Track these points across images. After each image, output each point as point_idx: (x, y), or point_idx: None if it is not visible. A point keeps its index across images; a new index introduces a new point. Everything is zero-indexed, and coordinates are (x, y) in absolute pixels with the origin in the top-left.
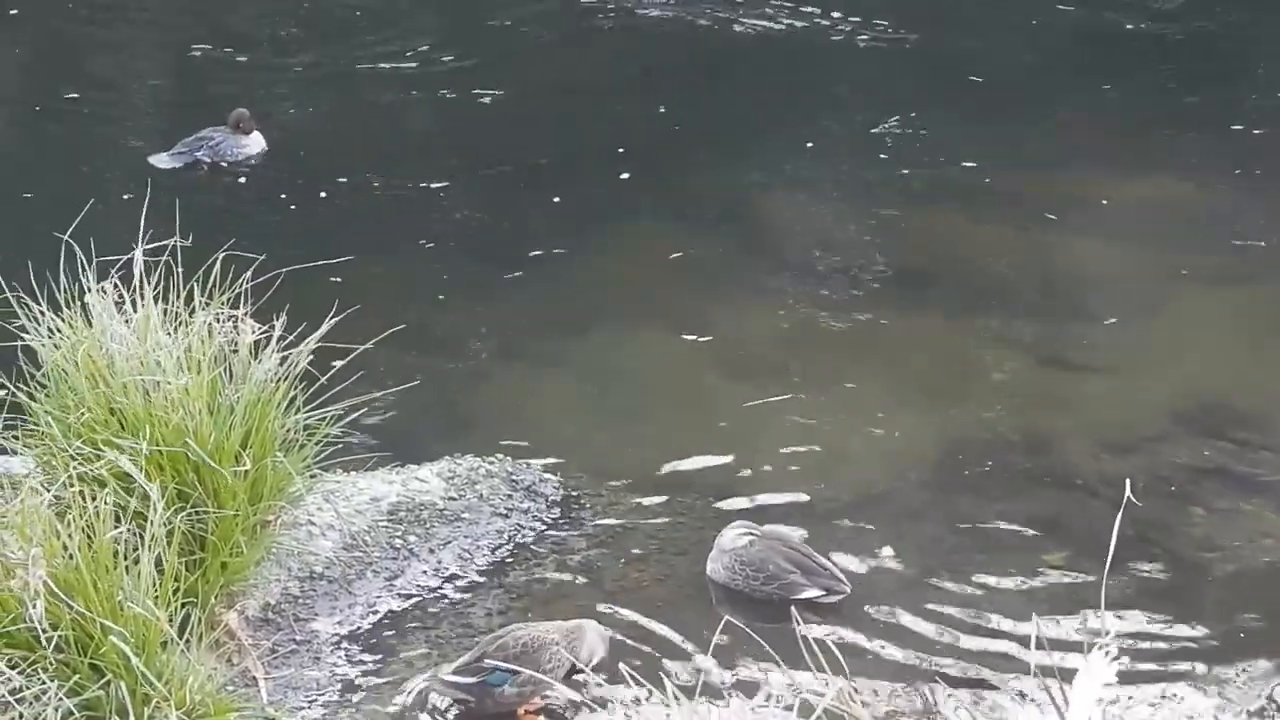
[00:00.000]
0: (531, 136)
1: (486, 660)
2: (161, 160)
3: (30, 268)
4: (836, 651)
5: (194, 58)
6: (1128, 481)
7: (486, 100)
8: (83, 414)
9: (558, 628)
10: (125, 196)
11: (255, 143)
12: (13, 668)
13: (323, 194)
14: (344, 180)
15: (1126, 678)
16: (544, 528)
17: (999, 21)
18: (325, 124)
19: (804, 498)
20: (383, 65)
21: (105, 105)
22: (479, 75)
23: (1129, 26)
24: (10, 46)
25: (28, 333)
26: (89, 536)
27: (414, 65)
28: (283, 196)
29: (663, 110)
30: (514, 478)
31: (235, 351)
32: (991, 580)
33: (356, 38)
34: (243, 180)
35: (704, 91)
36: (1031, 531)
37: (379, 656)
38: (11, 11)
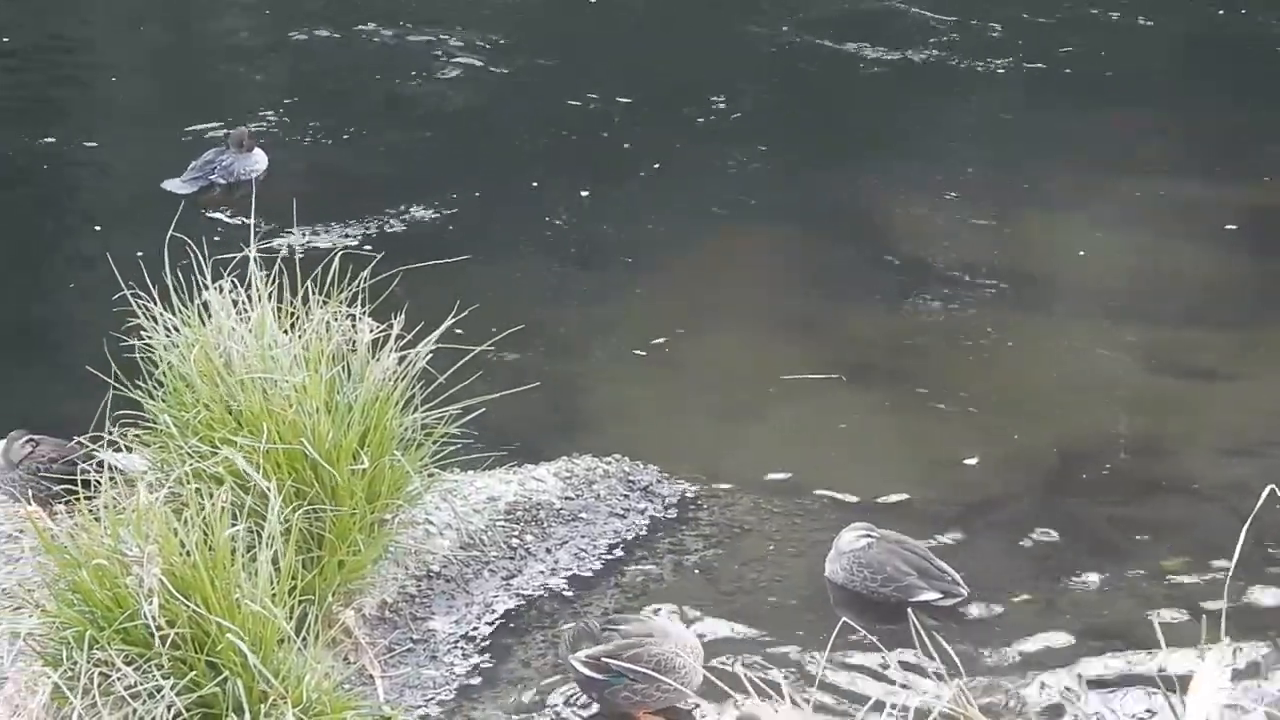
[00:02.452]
0: (642, 137)
1: (614, 663)
2: (175, 185)
3: (143, 267)
4: (953, 654)
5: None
6: (1270, 488)
7: (590, 101)
8: (200, 412)
9: (686, 645)
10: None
11: (261, 159)
12: (129, 664)
13: (425, 196)
14: (447, 182)
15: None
16: (660, 528)
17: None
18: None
19: (921, 500)
20: (464, 60)
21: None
22: (575, 74)
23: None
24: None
25: (145, 331)
26: (206, 534)
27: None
28: (376, 199)
29: (774, 109)
30: (631, 478)
31: (353, 350)
32: (1108, 585)
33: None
34: (312, 185)
35: (814, 90)
36: (1147, 537)
37: (495, 656)
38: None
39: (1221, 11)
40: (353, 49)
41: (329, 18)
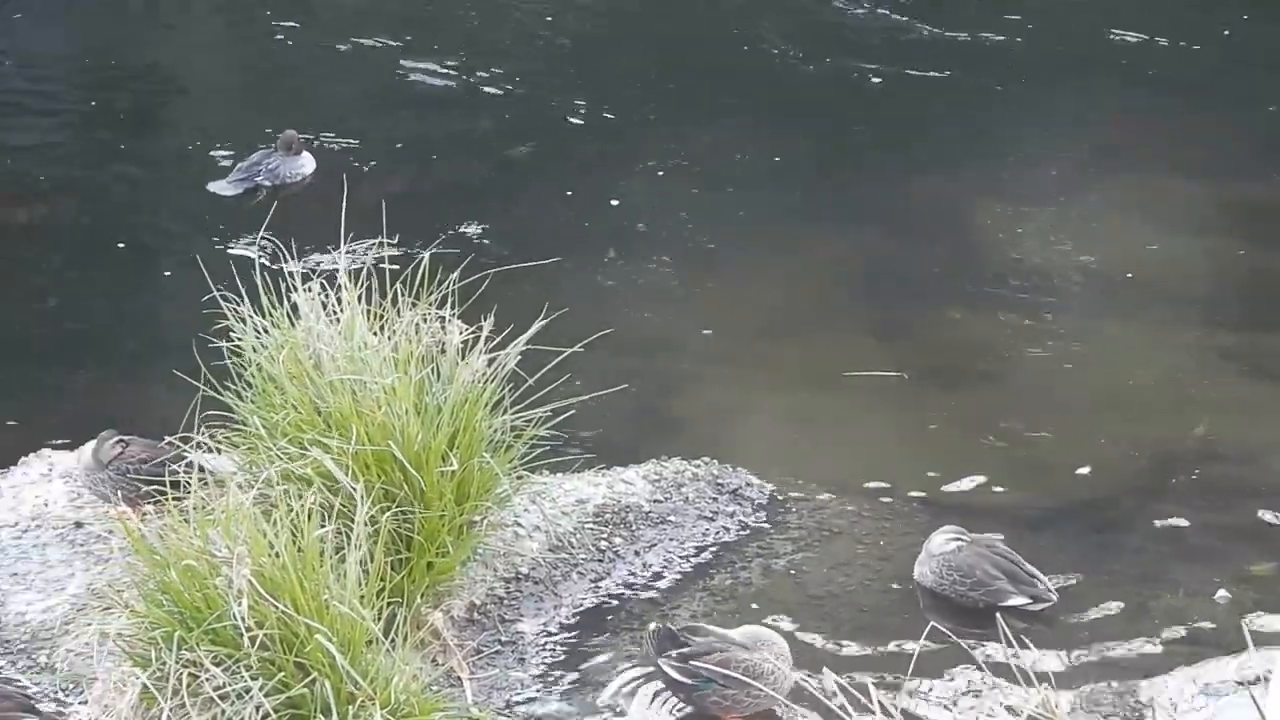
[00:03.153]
0: (725, 141)
1: (703, 667)
2: (221, 187)
3: (234, 269)
4: (1041, 659)
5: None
6: None
7: (664, 109)
8: (289, 413)
9: (775, 649)
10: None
11: (308, 162)
12: (217, 665)
13: (515, 199)
14: (537, 185)
15: None
16: (749, 531)
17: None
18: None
19: (1010, 504)
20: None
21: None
22: (644, 81)
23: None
24: None
25: (235, 333)
26: (295, 535)
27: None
28: (466, 202)
29: (865, 112)
30: (719, 481)
31: (443, 352)
32: (1196, 589)
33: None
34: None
35: (902, 95)
36: (1236, 541)
37: (584, 658)
38: None
39: None
40: (440, 54)
41: (413, 30)
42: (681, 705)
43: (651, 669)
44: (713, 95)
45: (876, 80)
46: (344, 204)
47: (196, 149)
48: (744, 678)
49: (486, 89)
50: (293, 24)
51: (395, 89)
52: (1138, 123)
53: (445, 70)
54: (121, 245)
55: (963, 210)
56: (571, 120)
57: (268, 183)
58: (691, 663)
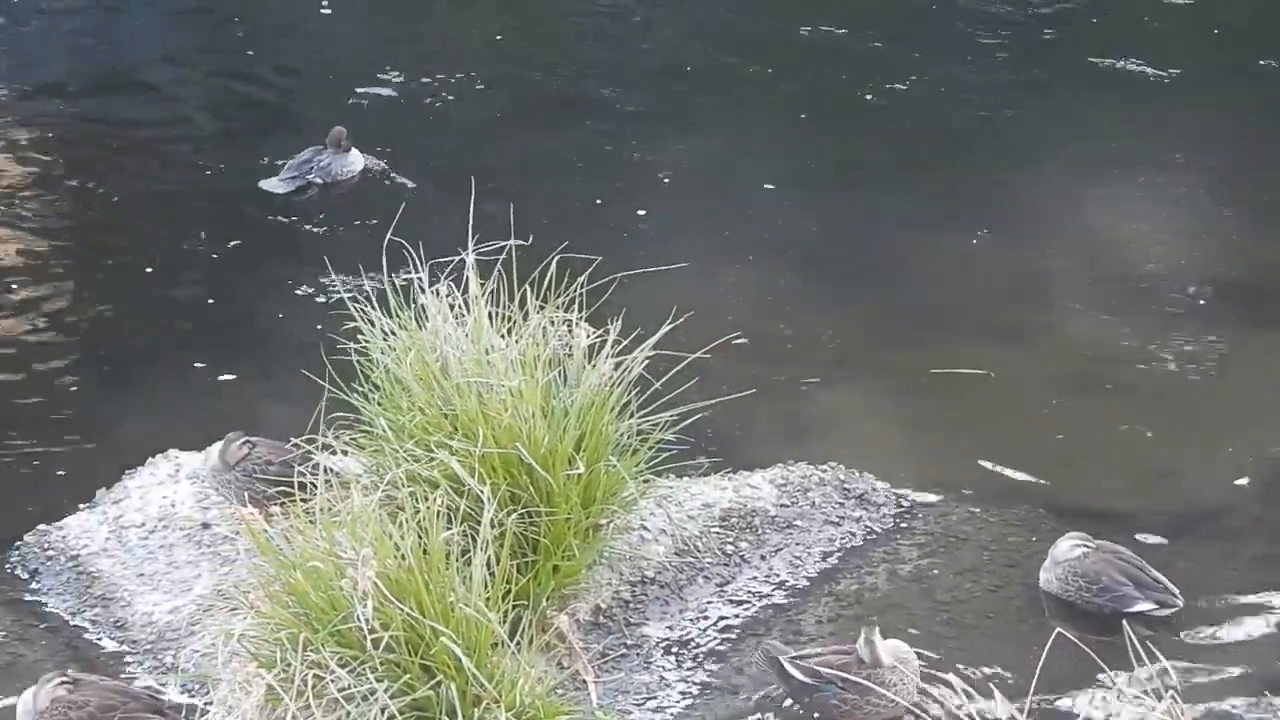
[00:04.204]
0: (846, 145)
1: (825, 670)
2: (272, 185)
3: (361, 270)
4: (1168, 666)
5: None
6: None
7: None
8: (415, 415)
9: (899, 655)
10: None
11: (358, 159)
12: (342, 666)
13: (644, 202)
14: (668, 187)
15: None
16: (876, 536)
17: None
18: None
19: (1136, 510)
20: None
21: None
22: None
23: None
24: None
25: (362, 335)
26: (421, 537)
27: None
28: (594, 205)
29: (985, 116)
30: (846, 486)
31: (570, 355)
32: None
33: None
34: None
35: (1024, 100)
36: None
37: (709, 662)
38: None
39: None
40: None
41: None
42: (805, 709)
43: (775, 672)
44: (812, 102)
45: (984, 72)
46: (471, 206)
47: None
48: (866, 682)
49: (603, 91)
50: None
51: (501, 89)
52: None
53: (556, 74)
54: (240, 244)
55: (1077, 212)
56: (698, 127)
57: (319, 180)
58: (815, 666)
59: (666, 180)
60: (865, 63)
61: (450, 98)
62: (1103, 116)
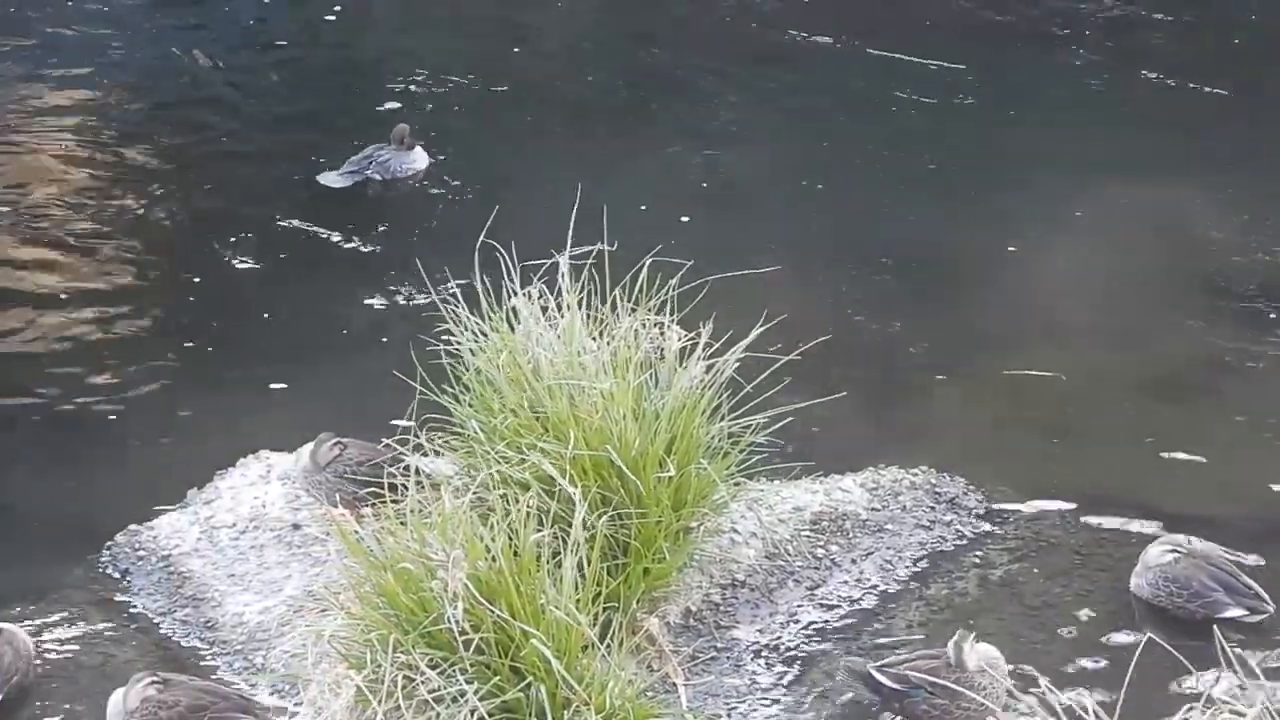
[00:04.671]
0: (943, 151)
1: (914, 675)
2: (330, 179)
3: (449, 273)
4: (1259, 671)
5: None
6: None
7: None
8: (506, 417)
9: (988, 660)
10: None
11: (420, 157)
12: (432, 668)
13: (735, 205)
14: (759, 190)
15: None
16: (966, 541)
17: None
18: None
19: (1227, 516)
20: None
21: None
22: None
23: None
24: None
25: (453, 336)
26: (511, 539)
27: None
28: (687, 207)
29: (1054, 119)
30: (937, 490)
31: (661, 358)
32: None
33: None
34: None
35: (1093, 105)
36: None
37: (799, 666)
38: None
39: None
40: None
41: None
42: (894, 715)
43: (862, 682)
44: (906, 109)
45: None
46: (575, 208)
47: (449, 155)
48: (956, 687)
49: (703, 85)
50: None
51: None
52: None
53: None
54: (344, 247)
55: (1184, 222)
56: (788, 130)
57: (378, 176)
58: (904, 670)
59: (746, 185)
60: (927, 66)
61: (522, 97)
62: (1174, 120)
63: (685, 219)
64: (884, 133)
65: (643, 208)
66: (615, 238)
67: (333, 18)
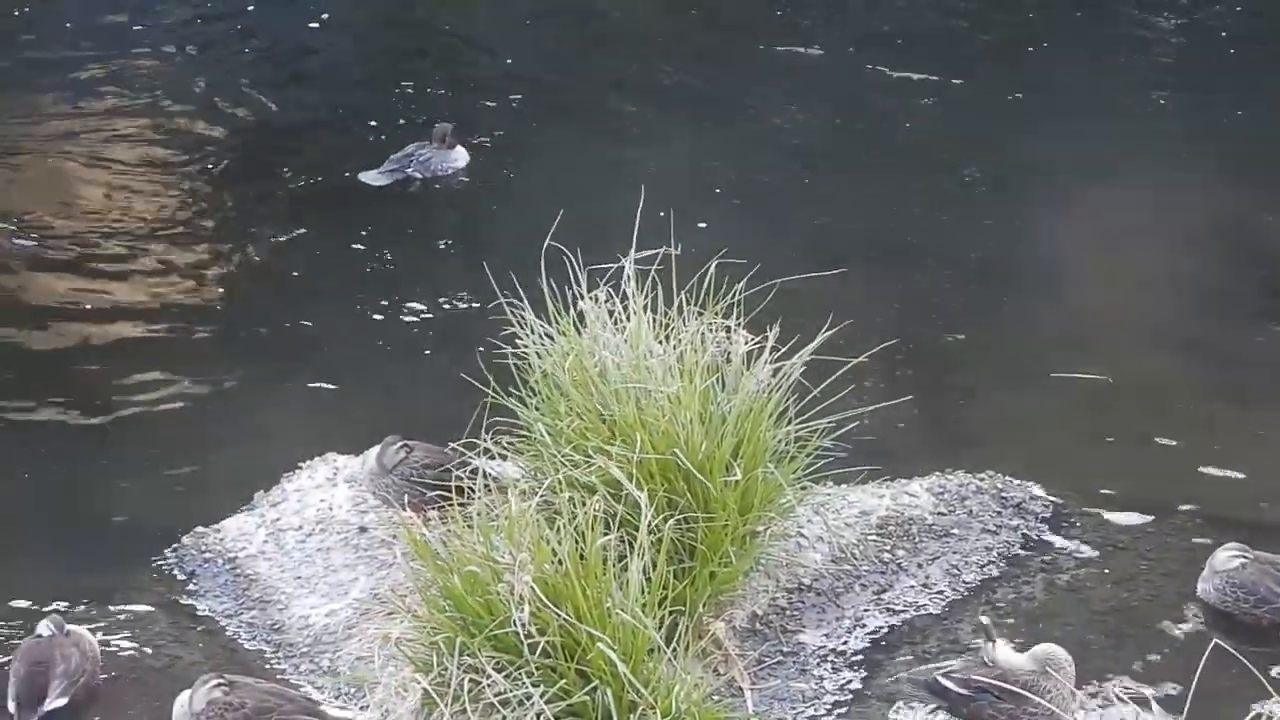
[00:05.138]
0: (1006, 152)
1: (980, 679)
2: (371, 178)
3: (514, 277)
4: None
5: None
6: None
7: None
8: (573, 420)
9: (1056, 665)
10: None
11: (461, 156)
12: (498, 671)
13: (801, 207)
14: (825, 193)
15: None
16: (1033, 546)
17: None
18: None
19: None
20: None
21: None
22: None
23: None
24: None
25: (520, 340)
26: (578, 542)
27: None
28: (751, 210)
29: (1129, 122)
30: (1004, 495)
31: (728, 362)
32: None
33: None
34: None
35: (1172, 108)
36: None
37: (865, 670)
38: None
39: None
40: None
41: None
42: (968, 713)
43: (928, 690)
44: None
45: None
46: (639, 211)
47: (490, 153)
48: (1022, 691)
49: (766, 84)
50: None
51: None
52: None
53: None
54: (411, 250)
55: (1232, 221)
56: (859, 133)
57: (418, 175)
58: (970, 675)
59: (811, 188)
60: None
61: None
62: (1234, 127)
63: (747, 221)
64: (945, 137)
65: (702, 209)
66: (676, 239)
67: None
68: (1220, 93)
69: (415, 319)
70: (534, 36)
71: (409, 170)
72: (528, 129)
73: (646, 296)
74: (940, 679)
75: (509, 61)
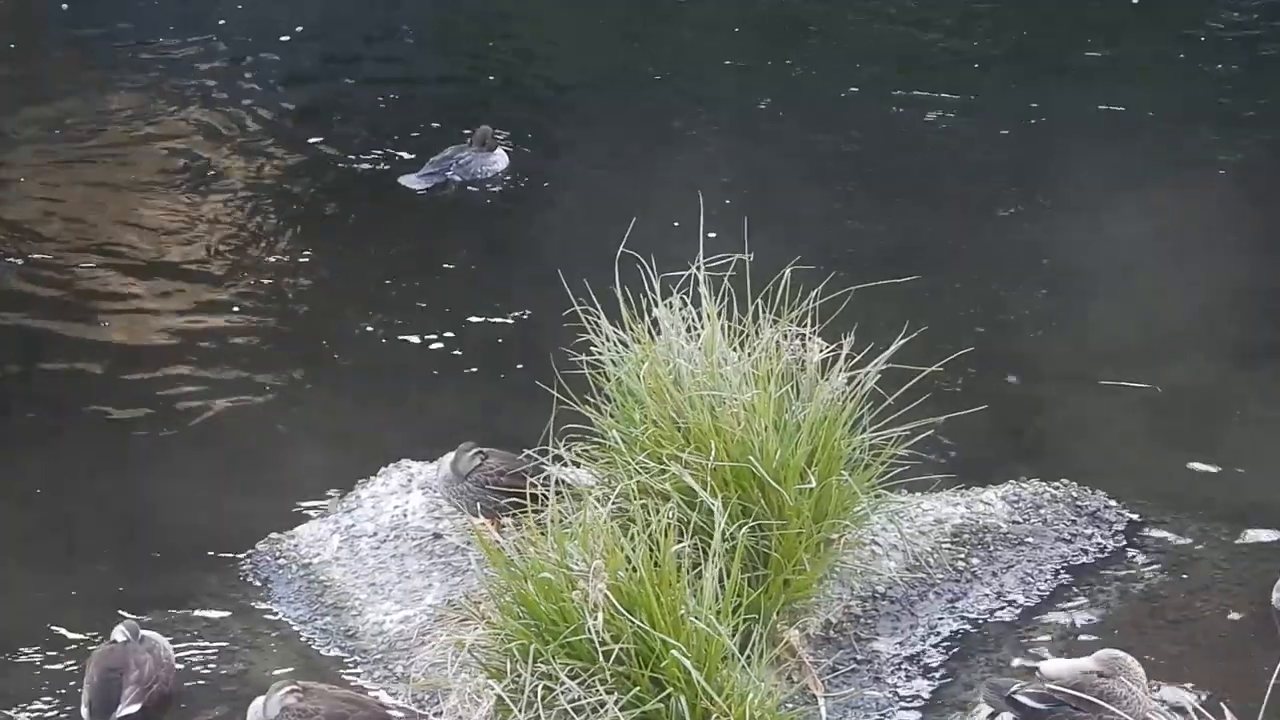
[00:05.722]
0: (1089, 165)
1: (1056, 690)
2: (411, 181)
3: (588, 285)
4: None
5: None
6: None
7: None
8: (648, 428)
9: (1130, 674)
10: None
11: (501, 158)
12: (572, 678)
13: (877, 214)
14: (901, 200)
15: None
16: (1107, 554)
17: None
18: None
19: None
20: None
21: None
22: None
23: None
24: None
25: (594, 347)
26: (652, 550)
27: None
28: (826, 217)
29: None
30: (1078, 503)
31: (802, 369)
32: None
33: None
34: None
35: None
36: None
37: (939, 679)
38: None
39: None
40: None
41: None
42: None
43: (1004, 704)
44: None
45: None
46: (701, 217)
47: (573, 158)
48: (1098, 700)
49: (844, 92)
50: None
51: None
52: None
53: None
54: (486, 255)
55: None
56: (940, 135)
57: (458, 178)
58: (1046, 687)
59: (903, 194)
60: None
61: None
62: None
63: (817, 228)
64: (1017, 144)
65: (774, 215)
66: (745, 246)
67: None
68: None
69: (484, 325)
70: (582, 43)
71: (449, 174)
72: (568, 132)
73: (720, 303)
74: (1016, 695)
75: (551, 64)
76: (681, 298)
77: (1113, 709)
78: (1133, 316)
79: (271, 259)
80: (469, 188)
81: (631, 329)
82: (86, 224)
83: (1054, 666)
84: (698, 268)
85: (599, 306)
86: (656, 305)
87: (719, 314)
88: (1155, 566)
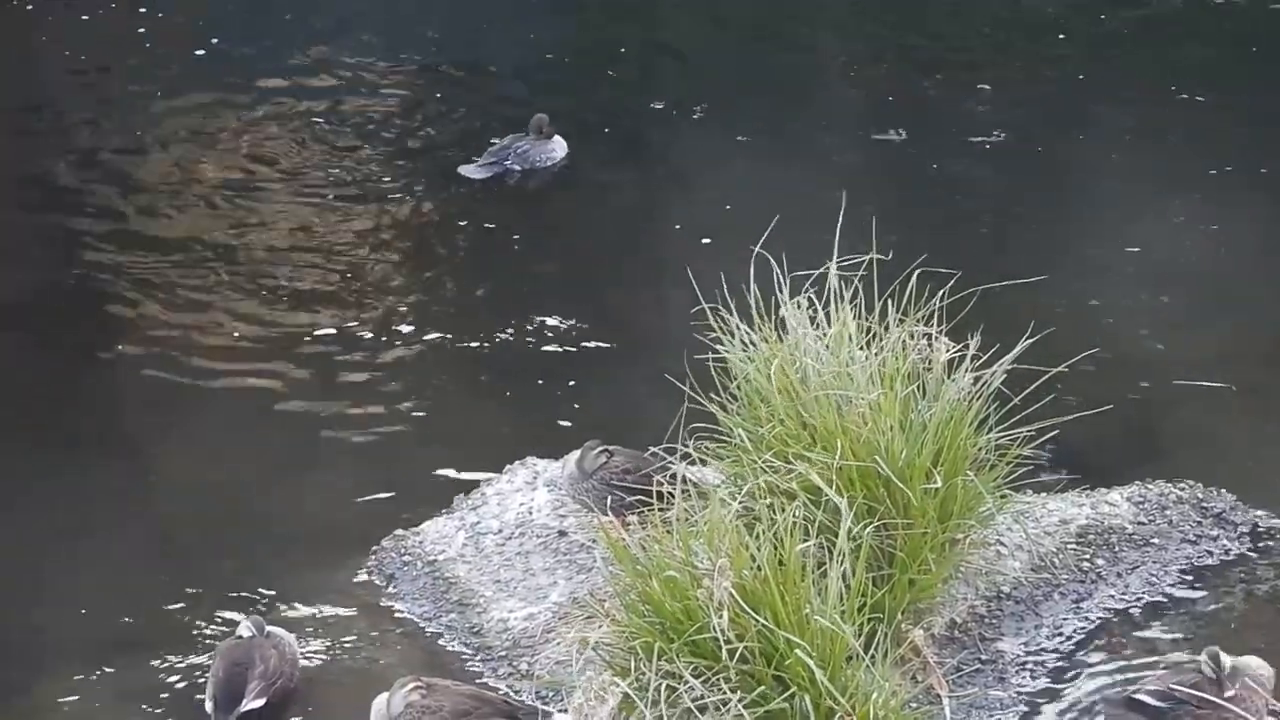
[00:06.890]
0: (1199, 157)
1: (1177, 689)
2: (470, 170)
3: (723, 279)
4: None
5: None
6: None
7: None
8: (774, 427)
9: (1254, 674)
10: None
11: (559, 146)
12: (696, 676)
13: (1007, 213)
14: (1031, 199)
15: None
16: (1232, 556)
17: None
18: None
19: None
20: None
21: None
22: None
23: None
24: None
25: (723, 345)
26: (777, 548)
27: None
28: (957, 217)
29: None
30: (1204, 505)
31: (928, 369)
32: None
33: None
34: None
35: None
36: None
37: (1064, 679)
38: None
39: None
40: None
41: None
42: None
43: (1125, 706)
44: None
45: None
46: (840, 216)
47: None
48: (1222, 702)
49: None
50: None
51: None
52: None
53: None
54: (617, 251)
55: None
56: (1068, 134)
57: (517, 167)
58: (1168, 686)
59: (1029, 194)
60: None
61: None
62: None
63: (943, 228)
64: (1138, 137)
65: (900, 214)
66: (876, 245)
67: None
68: None
69: (603, 321)
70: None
71: (508, 163)
72: (632, 121)
73: (850, 302)
74: (1137, 695)
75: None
76: (809, 297)
77: (1234, 708)
78: (1260, 319)
79: (391, 259)
80: (529, 177)
81: (760, 327)
82: (203, 224)
83: (1174, 667)
84: (826, 267)
85: (730, 305)
86: (784, 304)
87: (849, 314)
88: None
